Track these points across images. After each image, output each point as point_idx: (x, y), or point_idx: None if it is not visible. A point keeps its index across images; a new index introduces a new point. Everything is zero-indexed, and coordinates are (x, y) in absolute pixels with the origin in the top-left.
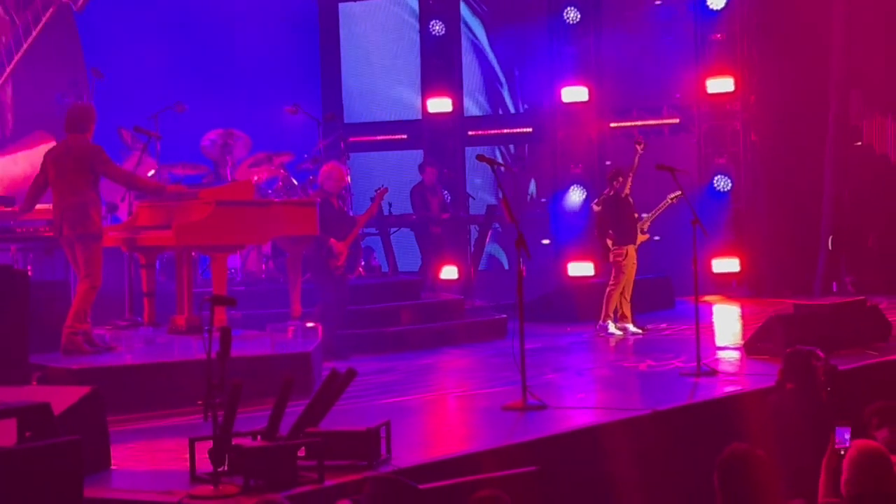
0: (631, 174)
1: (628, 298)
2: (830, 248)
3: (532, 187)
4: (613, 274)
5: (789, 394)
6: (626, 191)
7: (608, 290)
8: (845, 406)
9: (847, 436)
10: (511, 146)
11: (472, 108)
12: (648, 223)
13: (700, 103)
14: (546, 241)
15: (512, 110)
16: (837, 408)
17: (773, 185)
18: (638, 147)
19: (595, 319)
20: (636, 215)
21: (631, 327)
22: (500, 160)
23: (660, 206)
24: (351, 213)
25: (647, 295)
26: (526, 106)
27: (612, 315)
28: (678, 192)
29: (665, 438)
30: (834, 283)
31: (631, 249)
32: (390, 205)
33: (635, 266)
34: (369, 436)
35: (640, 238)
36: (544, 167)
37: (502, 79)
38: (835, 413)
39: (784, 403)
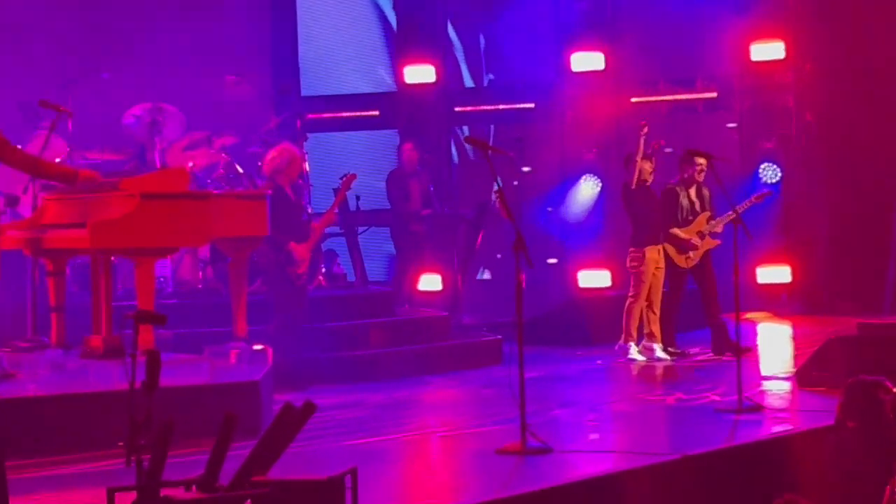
0: (638, 160)
1: (657, 313)
2: None
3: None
4: (632, 284)
5: (851, 434)
6: (646, 179)
7: (627, 303)
8: None
9: None
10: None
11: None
12: (721, 226)
13: (743, 74)
14: (553, 260)
15: (471, 84)
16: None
17: (832, 176)
18: (641, 132)
19: (613, 341)
20: (707, 216)
21: (658, 350)
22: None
23: (742, 204)
24: (309, 209)
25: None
26: (491, 76)
27: (634, 335)
28: (766, 192)
29: (698, 490)
30: None
31: (651, 252)
32: (358, 198)
33: (661, 271)
34: (331, 486)
35: (711, 243)
36: (548, 153)
37: (459, 46)
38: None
39: (845, 446)
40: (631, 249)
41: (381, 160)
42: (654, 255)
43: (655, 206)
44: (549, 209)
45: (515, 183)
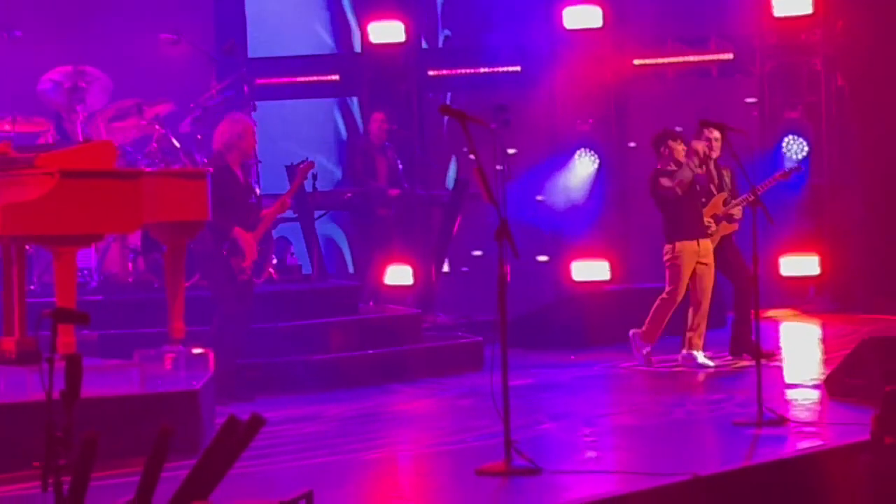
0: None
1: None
2: None
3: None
4: (668, 279)
5: (889, 451)
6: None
7: (658, 300)
8: None
9: None
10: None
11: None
12: (740, 209)
13: (764, 32)
14: (543, 258)
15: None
16: None
17: (868, 152)
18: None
19: (612, 342)
20: (723, 197)
21: (700, 357)
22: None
23: (763, 184)
24: (258, 190)
25: (684, 309)
26: (448, 32)
27: (656, 337)
28: (792, 168)
29: None
30: None
31: (688, 246)
32: (315, 177)
33: (710, 269)
34: None
35: (728, 227)
36: (537, 124)
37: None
38: None
39: (882, 464)
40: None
41: (330, 132)
42: (694, 249)
43: (697, 195)
44: (539, 198)
45: (499, 167)
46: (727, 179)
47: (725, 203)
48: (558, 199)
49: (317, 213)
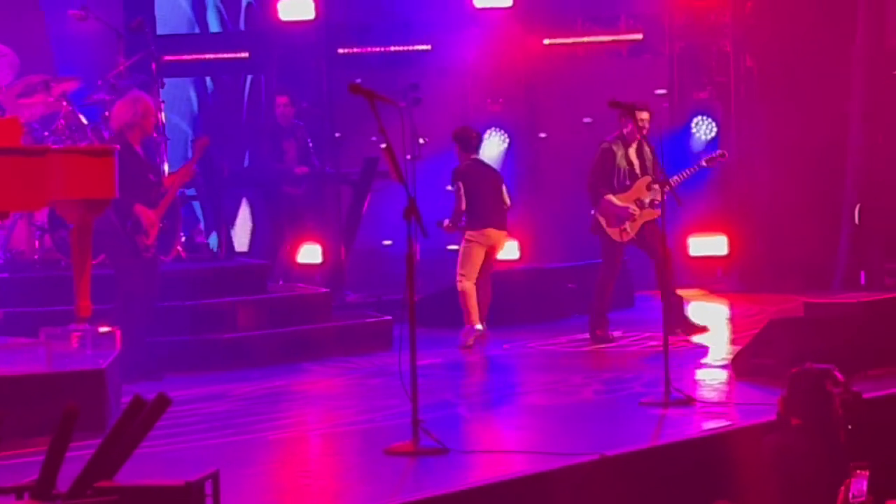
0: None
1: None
2: (858, 222)
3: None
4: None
5: (795, 432)
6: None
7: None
8: (871, 448)
9: (863, 487)
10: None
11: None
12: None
13: (673, 12)
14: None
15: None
16: (860, 452)
17: (776, 132)
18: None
19: (522, 322)
20: (647, 182)
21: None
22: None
23: (685, 171)
24: (165, 168)
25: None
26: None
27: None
28: (720, 152)
29: (620, 495)
30: (862, 274)
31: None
32: (243, 158)
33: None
34: (189, 492)
35: (651, 214)
36: (446, 103)
37: None
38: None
39: (787, 445)
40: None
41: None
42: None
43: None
44: (449, 188)
45: (409, 157)
46: (650, 160)
47: (648, 188)
48: None
49: (224, 192)
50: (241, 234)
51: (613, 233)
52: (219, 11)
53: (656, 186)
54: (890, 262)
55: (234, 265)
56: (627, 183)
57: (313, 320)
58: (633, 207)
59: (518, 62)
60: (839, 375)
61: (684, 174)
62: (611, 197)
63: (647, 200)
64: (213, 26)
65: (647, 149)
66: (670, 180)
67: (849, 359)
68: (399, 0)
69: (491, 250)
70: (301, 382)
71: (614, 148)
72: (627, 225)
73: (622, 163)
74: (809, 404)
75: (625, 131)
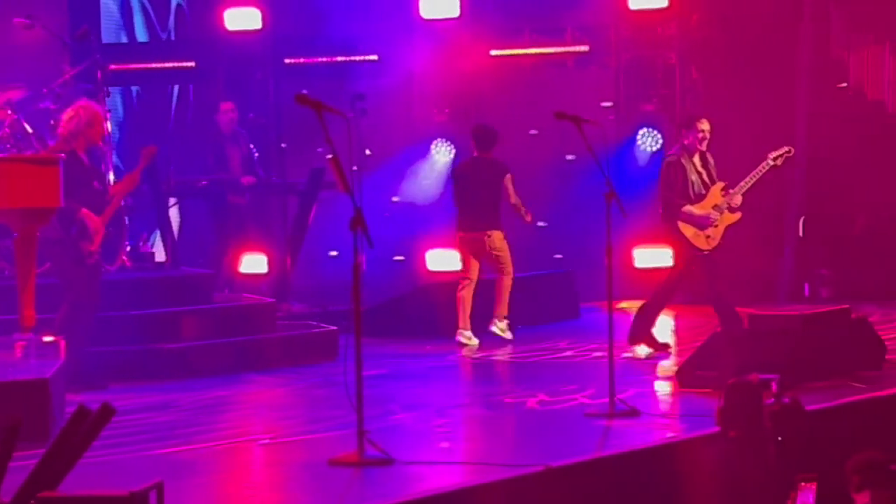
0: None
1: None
2: (802, 234)
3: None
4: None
5: (734, 444)
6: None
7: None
8: (812, 459)
9: (810, 499)
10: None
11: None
12: (739, 197)
13: (619, 25)
14: (400, 258)
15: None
16: (798, 464)
17: (721, 144)
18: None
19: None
20: (721, 186)
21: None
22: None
23: (756, 170)
24: (110, 175)
25: (540, 299)
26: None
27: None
28: (786, 149)
29: None
30: (806, 285)
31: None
32: (168, 165)
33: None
34: (133, 503)
35: (731, 217)
36: (393, 113)
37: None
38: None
39: (727, 457)
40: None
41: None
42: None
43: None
44: (395, 199)
45: (355, 168)
46: (713, 168)
47: (723, 192)
48: (415, 193)
49: (170, 202)
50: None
51: (700, 241)
52: (146, 15)
53: (732, 190)
54: (828, 274)
55: (179, 275)
56: (704, 192)
57: (258, 330)
58: (713, 214)
59: (465, 73)
60: (774, 386)
61: (754, 175)
62: (690, 208)
63: (724, 205)
64: (140, 30)
65: (708, 157)
66: (741, 183)
67: (792, 371)
68: (346, 11)
69: (476, 253)
70: (246, 393)
71: (683, 161)
72: (710, 231)
73: (693, 174)
74: (741, 416)
75: (686, 143)
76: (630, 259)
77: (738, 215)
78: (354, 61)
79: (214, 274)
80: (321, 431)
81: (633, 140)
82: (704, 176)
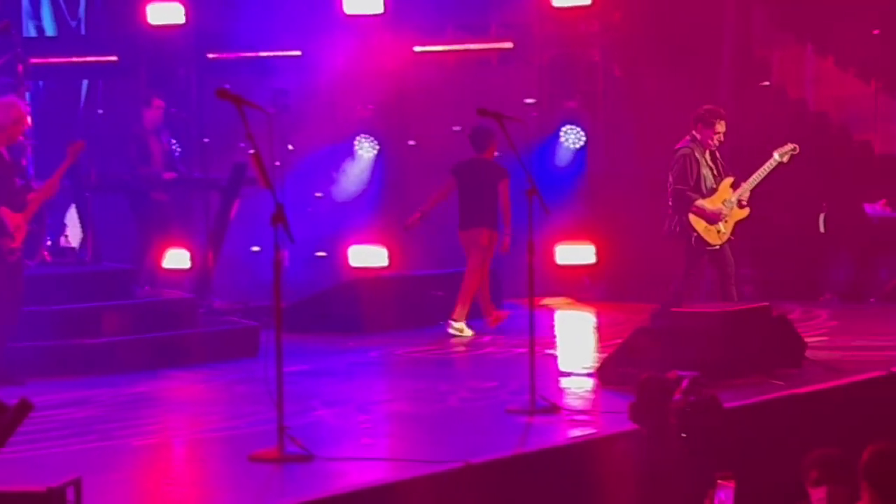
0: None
1: None
2: None
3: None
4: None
5: (646, 441)
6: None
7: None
8: (729, 457)
9: (729, 497)
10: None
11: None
12: (748, 193)
13: (543, 22)
14: (322, 254)
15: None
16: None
17: (644, 142)
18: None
19: (389, 328)
20: (730, 181)
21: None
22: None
23: (762, 168)
24: (31, 170)
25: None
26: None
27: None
28: (791, 146)
29: (483, 502)
30: None
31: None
32: (89, 160)
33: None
34: (51, 499)
35: (740, 213)
36: (316, 109)
37: None
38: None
39: (641, 454)
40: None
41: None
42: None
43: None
44: (318, 194)
45: (277, 163)
46: (721, 162)
47: (733, 187)
48: (339, 189)
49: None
50: (73, 240)
51: (712, 236)
52: (54, 2)
53: (744, 184)
54: (749, 272)
55: (99, 270)
56: (715, 187)
57: (179, 326)
58: (724, 209)
59: (388, 69)
60: (684, 384)
61: (761, 172)
62: (702, 202)
63: (734, 200)
64: (47, 19)
65: (718, 154)
66: (749, 179)
67: (712, 368)
68: (269, 6)
69: (474, 250)
70: (166, 388)
71: (696, 154)
72: (721, 226)
73: (705, 168)
74: (649, 412)
75: (699, 137)
76: (552, 255)
77: (746, 211)
78: (278, 56)
79: (136, 269)
80: (241, 427)
81: (556, 137)
82: (714, 171)
